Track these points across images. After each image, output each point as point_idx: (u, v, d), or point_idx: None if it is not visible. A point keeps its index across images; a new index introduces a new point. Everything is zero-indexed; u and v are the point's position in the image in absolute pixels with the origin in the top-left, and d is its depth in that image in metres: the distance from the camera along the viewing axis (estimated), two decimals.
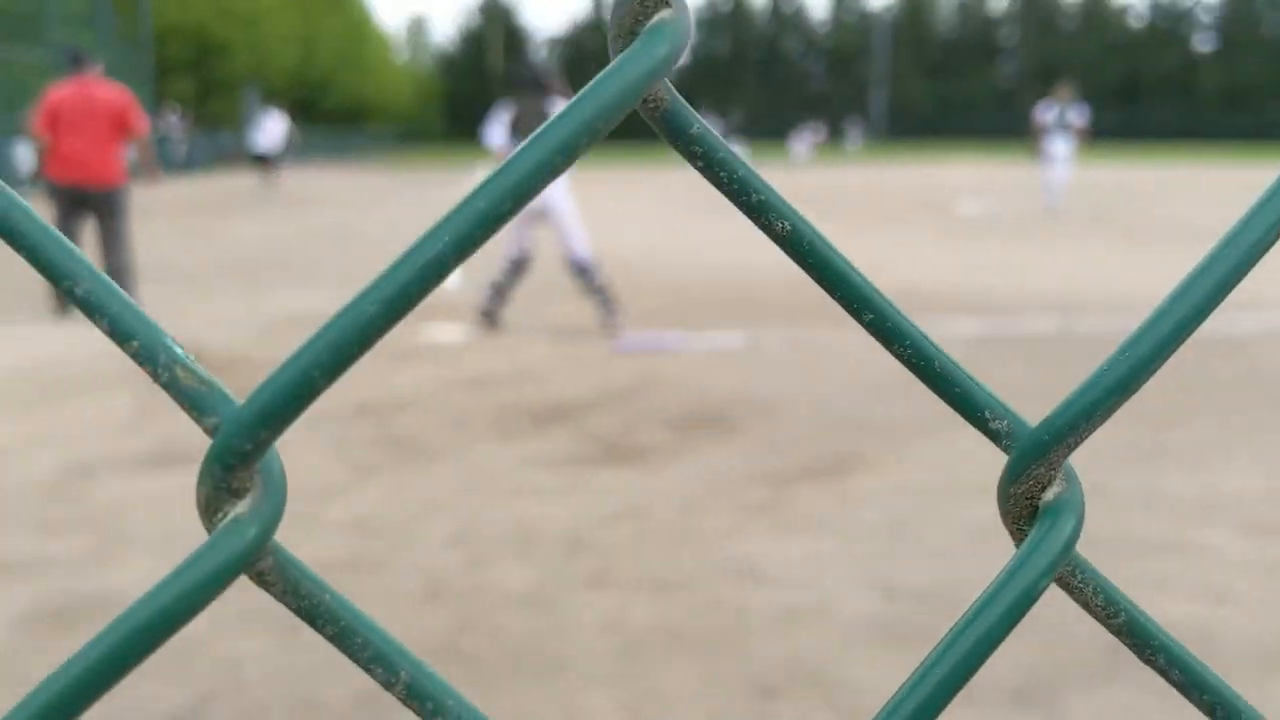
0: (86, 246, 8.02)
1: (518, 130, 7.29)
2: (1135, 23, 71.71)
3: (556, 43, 78.50)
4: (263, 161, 25.58)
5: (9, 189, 0.31)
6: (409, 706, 0.34)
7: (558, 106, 6.42)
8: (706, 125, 0.35)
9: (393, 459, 4.51)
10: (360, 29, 60.51)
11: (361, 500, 4.02)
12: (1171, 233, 14.18)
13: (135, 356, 0.31)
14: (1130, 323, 7.49)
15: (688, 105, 0.35)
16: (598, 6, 75.95)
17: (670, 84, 0.34)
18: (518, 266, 7.37)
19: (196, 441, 4.71)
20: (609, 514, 3.86)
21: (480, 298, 7.49)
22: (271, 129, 25.47)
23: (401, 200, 21.68)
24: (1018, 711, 2.54)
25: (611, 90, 0.31)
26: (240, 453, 0.29)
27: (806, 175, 31.58)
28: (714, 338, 6.95)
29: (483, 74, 72.22)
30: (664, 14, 0.32)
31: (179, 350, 0.30)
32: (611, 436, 4.84)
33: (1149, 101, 65.74)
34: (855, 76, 72.51)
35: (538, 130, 0.31)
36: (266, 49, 41.75)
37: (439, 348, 6.83)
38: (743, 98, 72.72)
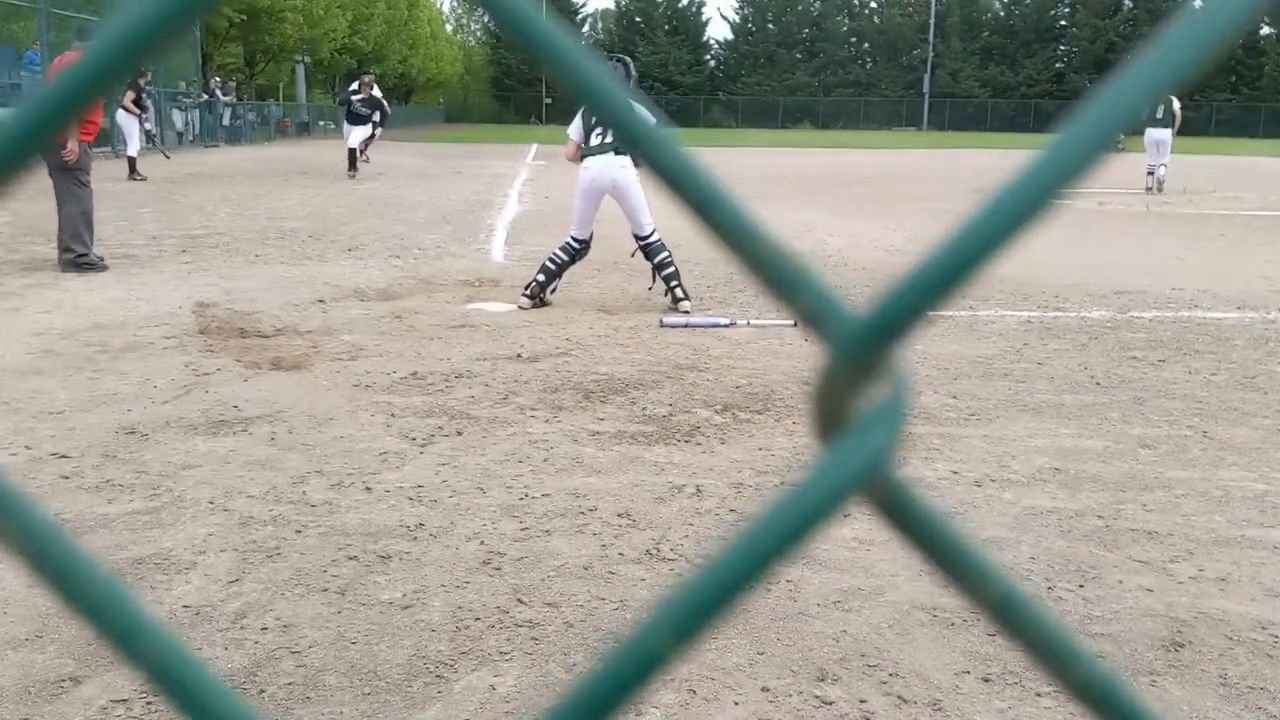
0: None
1: (590, 118, 7.33)
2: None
3: (599, 15, 78.20)
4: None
5: None
6: None
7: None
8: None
9: (446, 430, 4.53)
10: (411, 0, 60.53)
11: (417, 469, 4.05)
12: (1223, 225, 13.94)
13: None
14: (1183, 314, 7.39)
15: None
16: None
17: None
18: (584, 248, 7.40)
19: (246, 408, 4.77)
20: (661, 490, 3.87)
21: (532, 274, 7.50)
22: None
23: (446, 174, 21.74)
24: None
25: (815, 499, 0.31)
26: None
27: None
28: (767, 317, 6.92)
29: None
30: (881, 398, 0.30)
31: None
32: (662, 413, 4.84)
33: (1209, 90, 64.24)
34: (904, 59, 71.64)
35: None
36: (316, 16, 41.82)
37: (489, 321, 6.86)
38: (786, 80, 72.18)
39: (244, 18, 37.25)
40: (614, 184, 7.30)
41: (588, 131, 7.33)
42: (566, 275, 7.55)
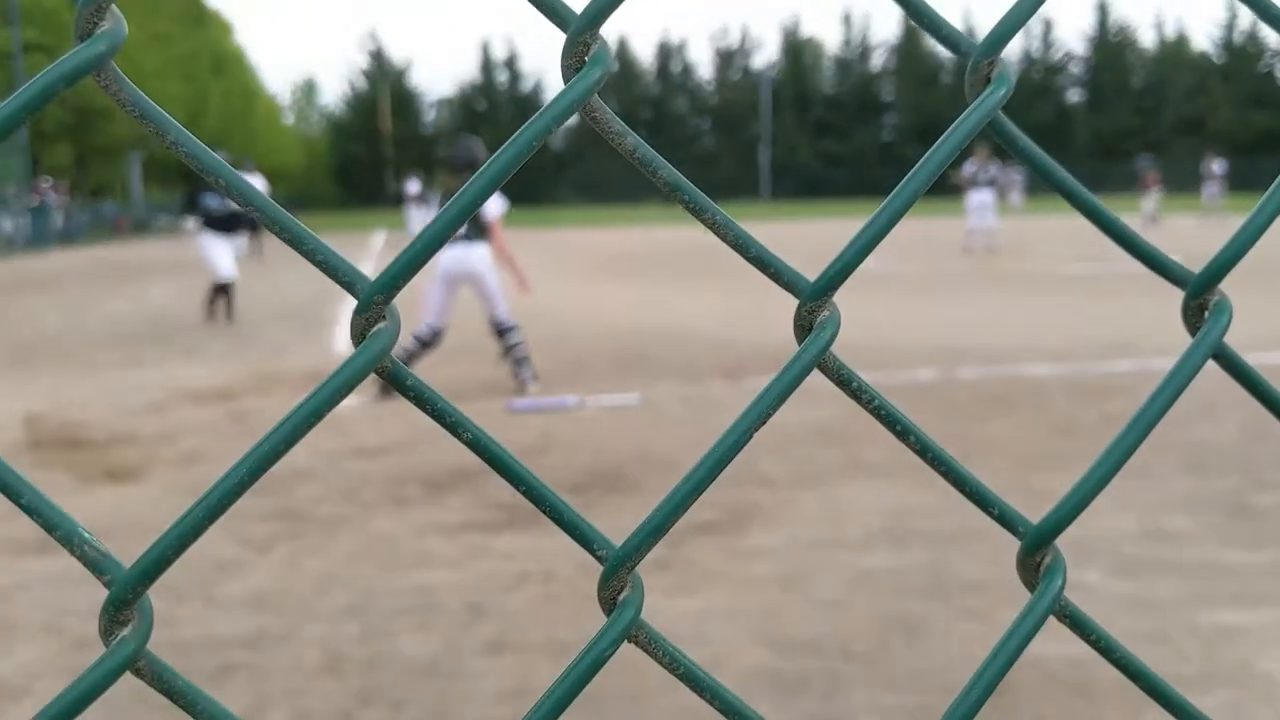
0: None
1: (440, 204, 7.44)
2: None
3: (444, 104, 78.64)
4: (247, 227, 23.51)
5: None
6: None
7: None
8: (625, 126, 0.49)
9: (288, 533, 4.47)
10: (248, 91, 59.81)
11: (258, 576, 3.98)
12: (1045, 282, 14.80)
13: (60, 541, 0.44)
14: (1006, 370, 7.81)
15: (612, 113, 0.48)
16: (485, 69, 76.44)
17: (600, 97, 0.47)
18: (436, 337, 7.47)
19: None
20: (509, 579, 3.89)
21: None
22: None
23: (289, 265, 21.43)
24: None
25: (566, 100, 0.47)
26: (125, 600, 0.43)
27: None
28: (610, 397, 7.04)
29: (373, 137, 71.84)
30: (595, 47, 0.47)
31: (86, 533, 0.43)
32: (510, 500, 4.87)
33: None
34: (742, 135, 74.07)
35: (521, 129, 0.46)
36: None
37: (332, 416, 6.77)
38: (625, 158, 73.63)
39: (74, 118, 36.28)
40: (471, 274, 7.48)
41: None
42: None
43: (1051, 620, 0.56)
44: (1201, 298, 0.59)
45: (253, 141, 58.96)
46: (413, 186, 25.92)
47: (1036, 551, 0.59)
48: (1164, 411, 0.56)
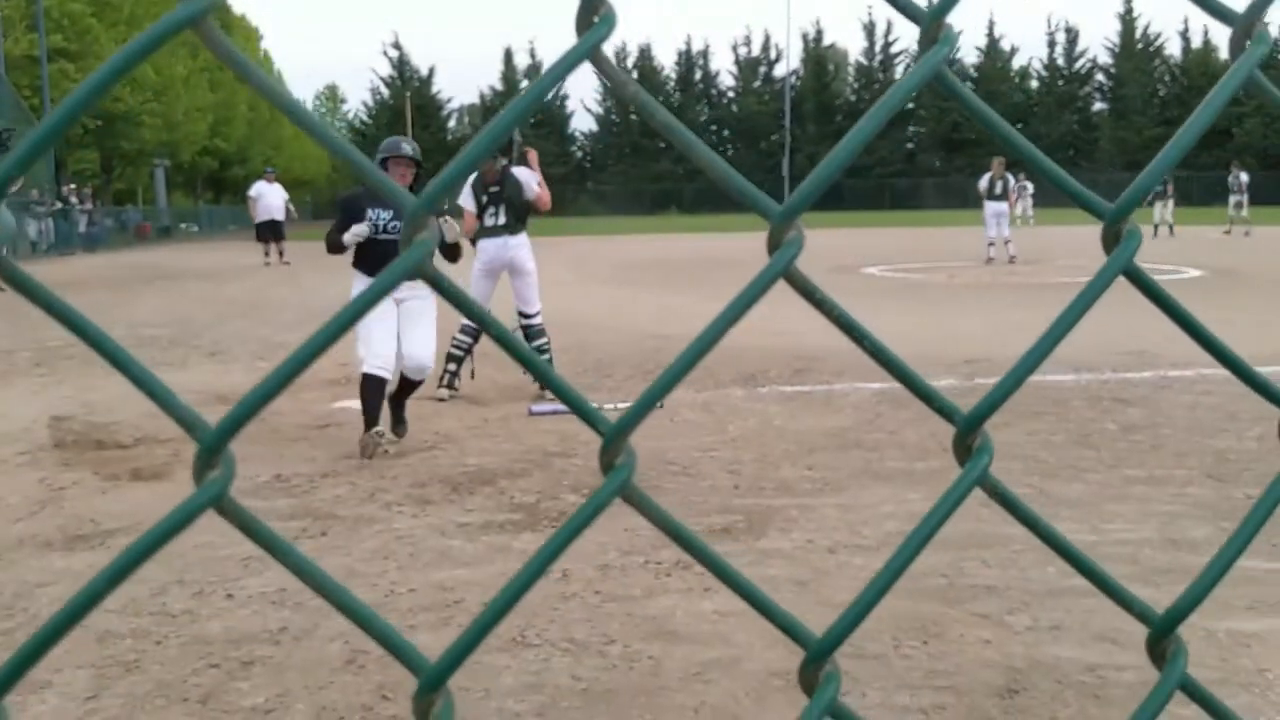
0: None
1: (482, 194, 7.45)
2: (1034, 84, 74.49)
3: (467, 110, 79.03)
4: (269, 231, 23.38)
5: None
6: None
7: (524, 174, 6.36)
8: (627, 75, 0.58)
9: (311, 530, 4.53)
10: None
11: (280, 573, 4.02)
12: (1063, 292, 14.75)
13: (159, 404, 0.55)
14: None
15: (615, 66, 0.59)
16: (507, 77, 76.78)
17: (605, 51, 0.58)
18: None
19: (105, 521, 4.69)
20: None
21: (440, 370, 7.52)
22: (273, 198, 23.42)
23: (311, 269, 21.58)
24: None
25: (581, 49, 0.57)
26: (213, 448, 0.54)
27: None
28: (629, 401, 7.07)
29: None
30: (604, 10, 0.58)
31: (183, 401, 0.54)
32: (530, 501, 4.91)
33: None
34: (763, 144, 74.09)
35: (551, 66, 0.57)
36: (175, 120, 41.27)
37: (355, 419, 6.84)
38: (652, 168, 73.81)
39: (99, 123, 36.61)
40: (510, 263, 7.49)
41: (480, 210, 7.47)
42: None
43: (1070, 620, 0.65)
44: (1116, 226, 0.68)
45: (279, 150, 59.38)
46: None
47: (969, 434, 0.67)
48: (1073, 323, 0.68)
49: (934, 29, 0.64)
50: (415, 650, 0.58)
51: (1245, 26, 0.67)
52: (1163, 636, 0.70)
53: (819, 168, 0.62)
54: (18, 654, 0.52)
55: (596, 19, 0.57)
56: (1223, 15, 0.68)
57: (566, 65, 0.56)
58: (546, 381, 0.63)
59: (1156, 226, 28.53)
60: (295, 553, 0.58)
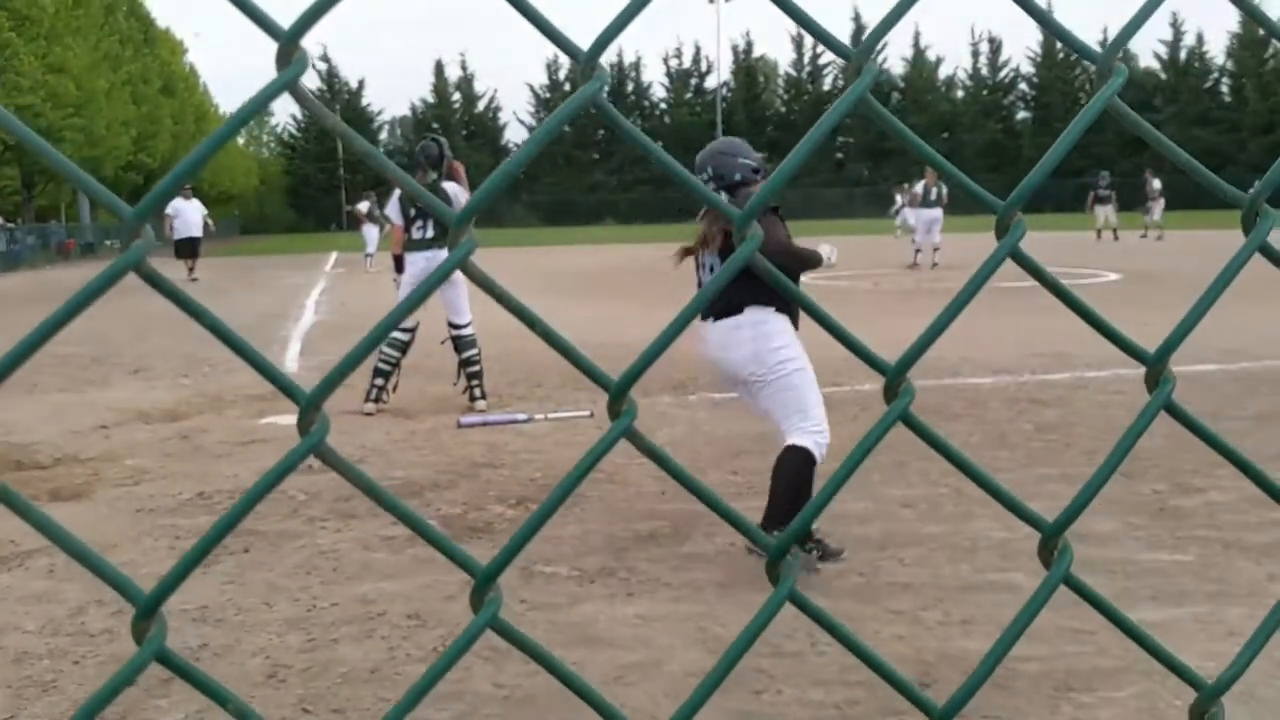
0: None
1: (410, 208, 7.42)
2: (959, 94, 75.83)
3: (398, 123, 78.53)
4: (187, 249, 23.48)
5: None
6: None
7: (454, 189, 6.37)
8: (624, 118, 0.71)
9: (232, 548, 4.50)
10: (200, 112, 59.31)
11: (202, 589, 4.01)
12: (985, 296, 15.04)
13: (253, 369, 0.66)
14: (946, 381, 7.98)
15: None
16: (438, 89, 76.44)
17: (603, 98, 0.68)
18: (411, 338, 7.46)
19: (24, 541, 4.62)
20: (452, 588, 3.95)
21: (367, 384, 7.48)
22: (191, 215, 23.13)
23: (234, 282, 21.29)
24: None
25: (577, 101, 0.67)
26: (310, 409, 0.64)
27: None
28: (561, 411, 7.11)
29: (328, 157, 71.49)
30: (597, 71, 0.67)
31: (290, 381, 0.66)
32: (456, 513, 4.93)
33: (973, 174, 69.21)
34: (696, 155, 74.47)
35: (552, 116, 0.69)
36: (98, 135, 40.46)
37: (280, 435, 6.80)
38: (586, 179, 73.95)
39: (17, 141, 35.77)
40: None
41: (408, 222, 7.46)
42: (360, 378, 7.57)
43: (980, 615, 0.77)
44: (1006, 218, 0.80)
45: (206, 166, 58.39)
46: (363, 205, 25.85)
47: (896, 381, 0.82)
48: (972, 295, 0.82)
49: (858, 65, 0.74)
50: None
51: (1104, 68, 0.79)
52: (1051, 539, 0.85)
53: (755, 196, 0.74)
54: (179, 564, 0.68)
55: (593, 76, 0.67)
56: (1087, 55, 0.80)
57: (569, 112, 0.69)
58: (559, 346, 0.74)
59: (1099, 230, 29.09)
60: (383, 491, 0.70)
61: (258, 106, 0.61)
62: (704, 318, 4.19)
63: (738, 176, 4.35)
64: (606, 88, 0.67)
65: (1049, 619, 3.53)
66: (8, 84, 35.05)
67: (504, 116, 78.31)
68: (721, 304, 4.14)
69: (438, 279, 0.66)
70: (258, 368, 0.64)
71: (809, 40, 78.88)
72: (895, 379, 0.81)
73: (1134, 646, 2.86)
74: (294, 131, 76.29)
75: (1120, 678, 3.14)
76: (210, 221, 24.94)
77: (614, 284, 19.30)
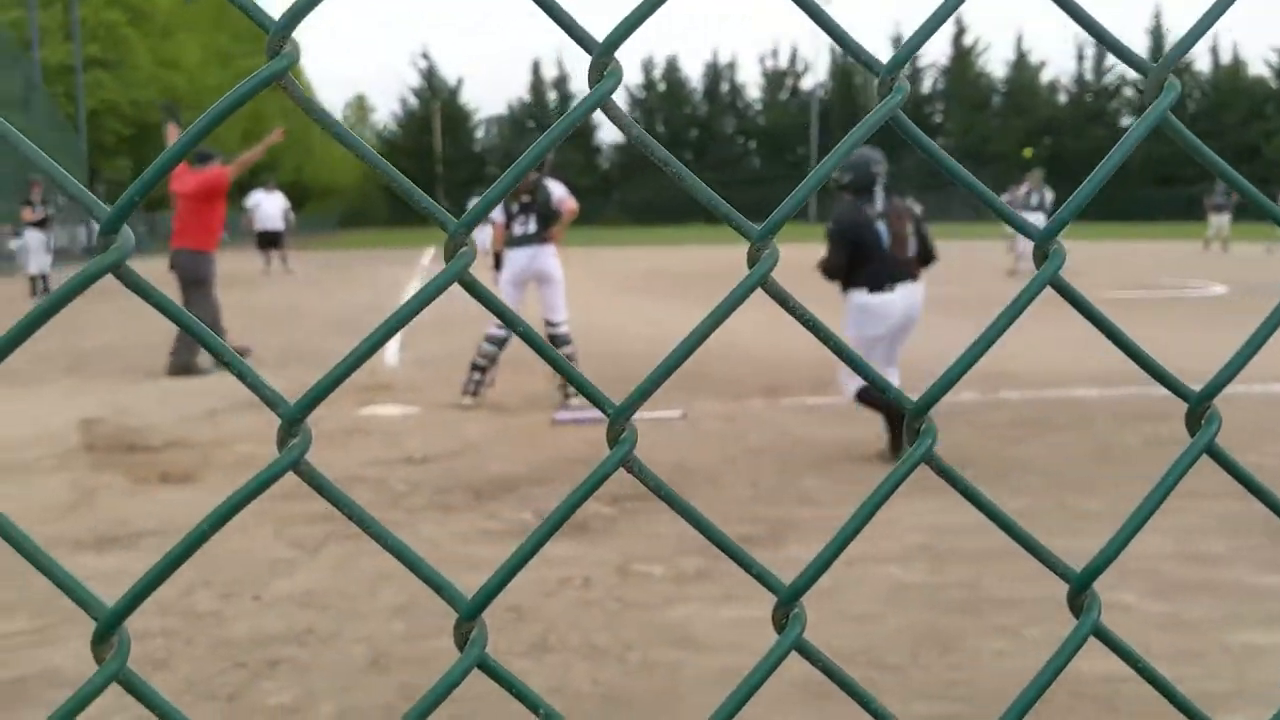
0: None
1: (512, 204, 7.54)
2: (1062, 98, 74.12)
3: (494, 121, 79.46)
4: (268, 242, 23.56)
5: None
6: None
7: (557, 188, 6.51)
8: (630, 119, 0.68)
9: (337, 536, 4.60)
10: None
11: (307, 576, 4.11)
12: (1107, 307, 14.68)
13: (237, 374, 0.64)
14: (1048, 393, 7.80)
15: (622, 110, 0.67)
16: (535, 88, 77.15)
17: (615, 101, 0.66)
18: (509, 336, 7.57)
19: (134, 522, 4.77)
20: (550, 584, 3.99)
21: (465, 379, 7.63)
22: (270, 207, 23.54)
23: (329, 276, 21.76)
24: None
25: (594, 98, 0.66)
26: (294, 420, 0.63)
27: None
28: (653, 410, 7.13)
29: (426, 154, 72.68)
30: (611, 66, 0.66)
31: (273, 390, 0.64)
32: (551, 509, 4.96)
33: (1077, 179, 67.63)
34: (789, 156, 74.06)
35: (564, 115, 0.67)
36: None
37: (381, 425, 6.93)
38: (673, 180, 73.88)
39: (134, 132, 37.02)
40: (539, 272, 7.56)
41: (509, 218, 7.56)
42: (457, 372, 7.69)
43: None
44: (1045, 245, 0.78)
45: (308, 159, 59.81)
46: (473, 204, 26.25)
47: (917, 419, 0.77)
48: (1018, 314, 0.77)
49: (889, 81, 0.72)
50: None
51: (1158, 80, 0.77)
52: (1080, 592, 0.81)
53: (788, 199, 0.70)
54: (139, 582, 0.61)
55: (605, 73, 0.66)
56: (1139, 67, 0.78)
57: (579, 114, 0.66)
58: (566, 375, 0.71)
59: (1208, 240, 28.24)
60: (362, 512, 0.68)
61: (240, 100, 0.59)
62: (887, 287, 5.83)
63: (846, 179, 5.91)
64: (620, 86, 0.66)
65: (1158, 639, 3.44)
66: (123, 78, 36.30)
67: (597, 116, 78.61)
68: (905, 272, 5.88)
69: (433, 291, 0.65)
70: (241, 377, 0.64)
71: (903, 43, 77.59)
72: (916, 415, 0.77)
73: (1246, 671, 2.78)
74: (393, 128, 77.70)
75: (1231, 702, 3.05)
76: (291, 215, 25.45)
77: (703, 285, 19.27)
